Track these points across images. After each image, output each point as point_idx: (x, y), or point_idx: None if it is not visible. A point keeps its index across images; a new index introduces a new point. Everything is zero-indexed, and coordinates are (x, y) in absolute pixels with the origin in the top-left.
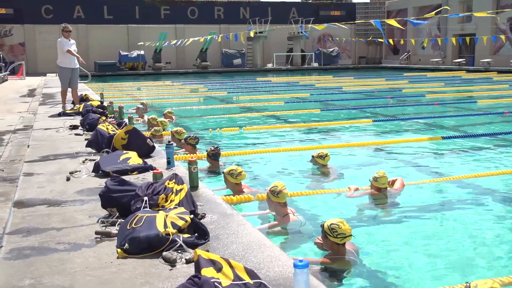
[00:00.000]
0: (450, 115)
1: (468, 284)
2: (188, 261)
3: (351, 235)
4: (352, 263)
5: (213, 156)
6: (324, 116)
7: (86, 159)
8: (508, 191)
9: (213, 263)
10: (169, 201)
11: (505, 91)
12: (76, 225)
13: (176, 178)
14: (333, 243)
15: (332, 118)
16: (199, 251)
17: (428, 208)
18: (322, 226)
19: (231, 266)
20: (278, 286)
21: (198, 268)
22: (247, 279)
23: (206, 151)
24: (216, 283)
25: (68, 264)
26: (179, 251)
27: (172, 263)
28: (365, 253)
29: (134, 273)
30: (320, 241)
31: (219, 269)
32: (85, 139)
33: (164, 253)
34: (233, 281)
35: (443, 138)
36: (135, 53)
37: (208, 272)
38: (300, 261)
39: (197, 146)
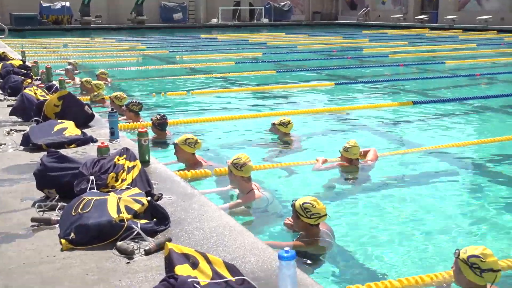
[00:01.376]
0: (417, 78)
1: (457, 251)
2: (147, 252)
3: (326, 215)
4: (327, 246)
5: (160, 125)
6: (280, 78)
7: (11, 130)
8: (487, 160)
9: (187, 258)
10: (120, 180)
11: (472, 51)
12: (7, 210)
13: (127, 153)
14: (306, 224)
15: (290, 80)
16: (171, 244)
17: (405, 182)
18: (293, 205)
19: (208, 261)
20: (258, 281)
21: (171, 266)
22: (227, 276)
23: (151, 119)
24: (194, 284)
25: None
26: (136, 240)
27: (129, 255)
28: (338, 234)
29: (84, 269)
30: (290, 222)
31: (194, 265)
32: (8, 106)
33: (118, 243)
34: (212, 279)
35: (414, 103)
36: (59, 5)
37: (183, 270)
38: (286, 251)
39: (140, 113)
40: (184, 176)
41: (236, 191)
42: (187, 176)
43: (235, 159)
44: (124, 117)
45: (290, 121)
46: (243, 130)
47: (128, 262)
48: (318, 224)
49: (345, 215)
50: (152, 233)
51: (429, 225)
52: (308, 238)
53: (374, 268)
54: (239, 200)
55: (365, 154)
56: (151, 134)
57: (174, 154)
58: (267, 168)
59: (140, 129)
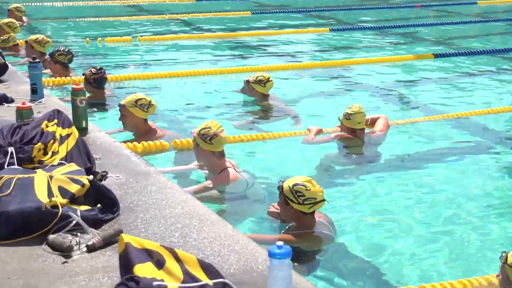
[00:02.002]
0: (439, 23)
1: (504, 254)
2: (91, 248)
3: (323, 200)
4: (325, 241)
5: (96, 81)
6: (257, 22)
7: None
8: None
9: (149, 255)
10: (50, 153)
11: None
12: None
13: (59, 117)
14: (297, 213)
15: (268, 24)
16: (127, 237)
17: (424, 159)
18: (281, 188)
19: (178, 260)
20: (241, 285)
21: (128, 265)
22: (203, 279)
23: (84, 74)
24: None
25: None
26: (75, 233)
27: (65, 251)
28: (339, 227)
29: (5, 270)
30: (276, 210)
31: (159, 263)
32: None
33: (50, 236)
34: (183, 282)
35: (436, 56)
36: None
37: (145, 270)
38: (280, 247)
39: (70, 65)
40: (135, 149)
41: (205, 171)
42: (138, 150)
43: (203, 129)
44: (48, 70)
45: (269, 78)
46: (209, 90)
47: (65, 262)
48: (313, 212)
49: (347, 203)
50: (96, 223)
51: (456, 216)
52: (299, 231)
53: (386, 272)
54: (209, 182)
55: (372, 122)
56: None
57: (120, 119)
58: (245, 140)
59: (74, 86)
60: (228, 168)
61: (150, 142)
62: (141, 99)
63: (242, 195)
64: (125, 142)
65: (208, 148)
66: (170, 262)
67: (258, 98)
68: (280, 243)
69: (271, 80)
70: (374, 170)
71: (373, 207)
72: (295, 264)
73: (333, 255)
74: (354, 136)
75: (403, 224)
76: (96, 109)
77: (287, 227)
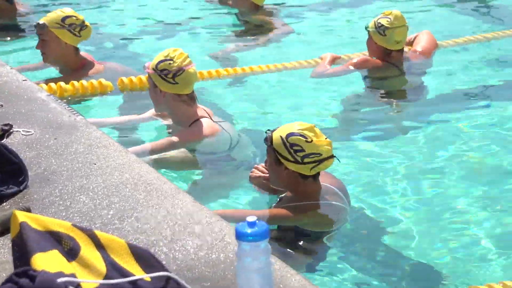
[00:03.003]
0: None
1: None
2: None
3: (332, 157)
4: (336, 217)
5: None
6: None
7: None
8: None
9: (57, 239)
10: None
11: None
12: None
13: None
14: (294, 176)
15: None
16: (22, 214)
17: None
18: (269, 140)
19: (99, 246)
20: (201, 282)
21: (24, 254)
22: (136, 272)
23: None
24: None
25: None
26: None
27: None
28: (356, 199)
29: None
30: (263, 174)
31: (71, 252)
32: None
33: None
34: (106, 276)
35: None
36: None
37: (48, 261)
38: (251, 223)
39: None
40: (59, 90)
41: (167, 122)
42: (64, 91)
43: (161, 61)
44: None
45: None
46: (176, 2)
47: None
48: (317, 175)
49: (373, 166)
50: None
51: None
52: (297, 202)
53: (423, 264)
54: (174, 138)
55: (410, 42)
56: None
57: (38, 47)
58: (225, 76)
59: None
60: (203, 119)
61: (84, 82)
62: (70, 16)
63: (224, 156)
64: (45, 81)
65: (170, 90)
66: (88, 250)
67: (245, 11)
68: (252, 218)
69: None
70: (419, 116)
71: (416, 174)
72: (292, 252)
73: (347, 239)
74: (387, 61)
75: (459, 206)
76: (3, 34)
77: (278, 199)
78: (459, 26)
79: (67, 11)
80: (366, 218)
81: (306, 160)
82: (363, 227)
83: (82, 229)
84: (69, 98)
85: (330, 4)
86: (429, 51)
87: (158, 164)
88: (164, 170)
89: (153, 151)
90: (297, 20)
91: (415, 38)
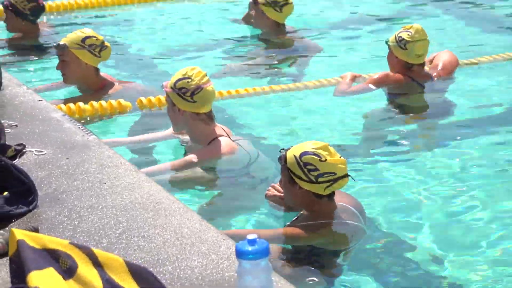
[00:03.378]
0: None
1: None
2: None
3: (347, 175)
4: (352, 235)
5: (32, 11)
6: None
7: None
8: None
9: (54, 257)
10: None
11: None
12: None
13: None
14: (308, 195)
15: None
16: (20, 232)
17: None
18: (283, 159)
19: (96, 263)
20: None
21: (20, 272)
22: None
23: (5, 2)
24: None
25: None
26: None
27: None
28: (373, 217)
29: None
30: (279, 194)
31: (69, 270)
32: None
33: None
34: None
35: None
36: None
37: (44, 279)
38: (251, 241)
39: None
40: (77, 111)
41: (186, 139)
42: (84, 113)
43: (179, 80)
44: None
45: None
46: (195, 21)
47: None
48: (332, 194)
49: (391, 184)
50: (2, 219)
51: None
52: (312, 221)
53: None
54: (193, 156)
55: (431, 60)
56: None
57: (58, 68)
58: (245, 95)
59: None
60: (221, 137)
61: (103, 102)
62: (90, 37)
63: (243, 173)
64: (64, 101)
65: (188, 109)
66: (85, 268)
67: (269, 30)
68: (252, 236)
69: (291, 2)
70: (441, 134)
71: (437, 193)
72: (307, 271)
73: (364, 258)
74: (408, 76)
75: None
76: (21, 57)
77: (295, 218)
78: (481, 45)
79: (87, 31)
80: (385, 236)
81: (320, 179)
82: (381, 245)
83: (79, 247)
84: (88, 119)
85: (351, 22)
86: (450, 69)
87: (175, 184)
88: (181, 189)
89: (172, 170)
90: (318, 38)
91: (435, 57)
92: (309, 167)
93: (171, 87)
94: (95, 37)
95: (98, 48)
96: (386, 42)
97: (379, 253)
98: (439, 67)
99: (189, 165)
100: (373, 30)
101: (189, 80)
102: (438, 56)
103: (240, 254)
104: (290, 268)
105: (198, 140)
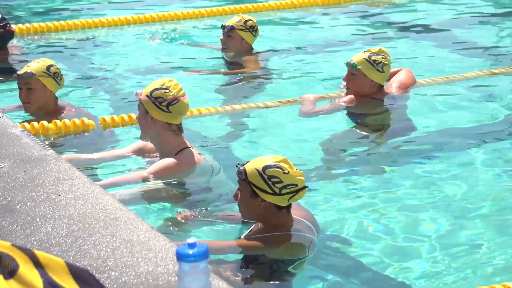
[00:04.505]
0: None
1: None
2: None
3: (304, 187)
4: (308, 248)
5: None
6: None
7: None
8: None
9: None
10: None
11: None
12: None
13: None
14: (270, 208)
15: None
16: None
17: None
18: (243, 173)
19: (37, 264)
20: None
21: None
22: None
23: None
24: None
25: None
26: None
27: None
28: (327, 230)
29: None
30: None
31: (10, 271)
32: None
33: None
34: None
35: None
36: None
37: None
38: (191, 245)
39: None
40: (43, 130)
41: (147, 158)
42: (42, 131)
43: (156, 89)
44: None
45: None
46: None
47: None
48: (290, 206)
49: (347, 199)
50: None
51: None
52: (269, 233)
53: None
54: (157, 167)
55: (389, 77)
56: None
57: (22, 97)
58: (210, 113)
59: None
60: (188, 149)
61: (67, 121)
62: (52, 65)
63: (204, 186)
64: (26, 121)
65: (162, 118)
66: (26, 268)
67: (240, 52)
68: (192, 239)
69: (255, 26)
70: (393, 154)
71: (388, 205)
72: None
73: (318, 269)
74: (373, 98)
75: (426, 228)
76: None
77: (248, 230)
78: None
79: (47, 60)
80: (336, 247)
81: (283, 191)
82: (332, 255)
83: (21, 249)
84: (52, 139)
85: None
86: (406, 85)
87: (146, 197)
88: (146, 202)
89: (146, 178)
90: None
91: (396, 72)
92: (273, 179)
93: (147, 95)
94: (55, 65)
95: (59, 76)
96: (354, 66)
97: (332, 262)
98: (394, 83)
99: (157, 173)
100: (331, 51)
101: (167, 91)
102: (397, 75)
103: (180, 257)
104: (240, 274)
105: (165, 151)
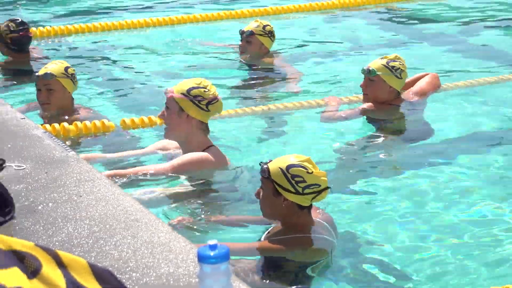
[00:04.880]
0: None
1: None
2: None
3: (327, 188)
4: (324, 252)
5: (15, 42)
6: None
7: None
8: None
9: (19, 259)
10: None
11: None
12: None
13: None
14: (292, 207)
15: None
16: None
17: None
18: (266, 171)
19: (60, 264)
20: None
21: None
22: None
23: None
24: None
25: None
26: None
27: None
28: (345, 233)
29: None
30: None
31: (33, 271)
32: None
33: None
34: None
35: None
36: None
37: (9, 278)
38: (212, 247)
39: None
40: (64, 132)
41: (170, 154)
42: (69, 133)
43: (194, 88)
44: None
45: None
46: (182, 44)
47: None
48: (311, 207)
49: (365, 203)
50: None
51: None
52: (289, 235)
53: None
54: (181, 160)
55: (412, 83)
56: None
57: (41, 97)
58: (230, 115)
59: None
60: (213, 147)
61: (87, 122)
62: (69, 66)
63: (230, 186)
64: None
65: (199, 117)
66: (49, 268)
67: (258, 56)
68: (213, 241)
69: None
70: (413, 157)
71: (407, 216)
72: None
73: (336, 272)
74: (392, 104)
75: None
76: (15, 81)
77: (266, 231)
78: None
79: (64, 62)
80: (356, 250)
81: (306, 191)
82: (351, 258)
83: (44, 249)
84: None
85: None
86: (427, 92)
87: (162, 199)
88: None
89: (174, 171)
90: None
91: (418, 78)
92: (297, 179)
93: (183, 94)
94: (71, 67)
95: (75, 78)
96: (372, 72)
97: (348, 265)
98: (415, 88)
99: (179, 168)
100: (349, 56)
101: (206, 90)
102: (420, 80)
103: (201, 258)
104: (260, 276)
105: (189, 149)
